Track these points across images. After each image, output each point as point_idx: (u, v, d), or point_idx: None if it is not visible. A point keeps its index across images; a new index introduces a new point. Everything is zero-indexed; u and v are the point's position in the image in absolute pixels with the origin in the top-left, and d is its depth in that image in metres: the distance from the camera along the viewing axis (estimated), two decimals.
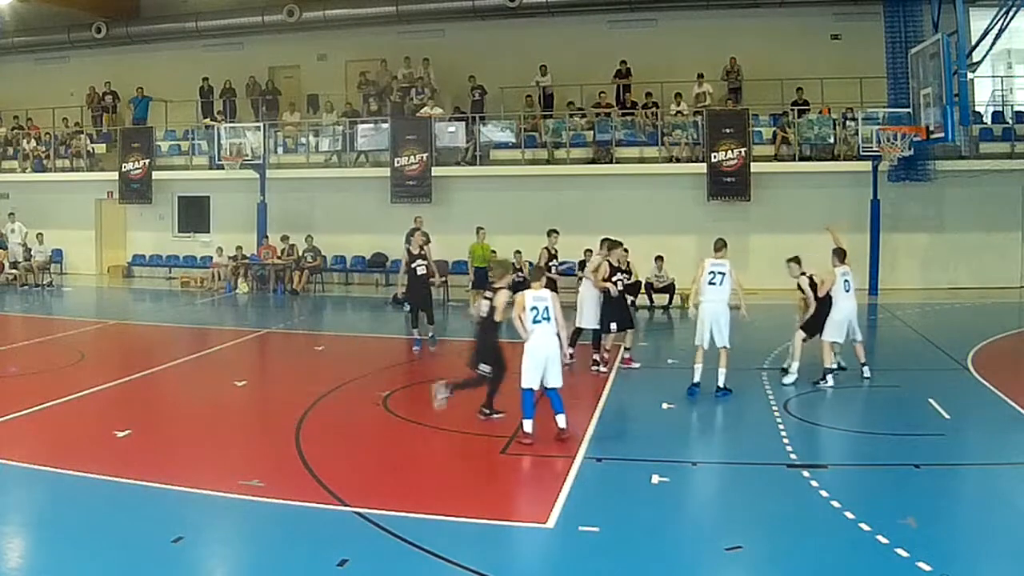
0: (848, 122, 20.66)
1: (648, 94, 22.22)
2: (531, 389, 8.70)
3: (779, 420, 9.62)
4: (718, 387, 10.51)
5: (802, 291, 11.41)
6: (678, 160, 21.42)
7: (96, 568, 5.95)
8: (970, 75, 16.81)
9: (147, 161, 24.25)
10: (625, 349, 12.59)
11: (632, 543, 6.38)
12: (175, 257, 25.07)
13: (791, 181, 20.73)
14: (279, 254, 22.17)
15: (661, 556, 6.27)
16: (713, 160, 20.65)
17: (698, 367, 10.54)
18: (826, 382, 10.98)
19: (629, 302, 13.18)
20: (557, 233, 14.63)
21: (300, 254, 22.17)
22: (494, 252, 18.61)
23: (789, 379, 11.21)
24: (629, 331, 12.51)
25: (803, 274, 11.40)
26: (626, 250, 12.33)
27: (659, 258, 18.94)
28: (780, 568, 6.07)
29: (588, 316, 12.22)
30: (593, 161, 21.89)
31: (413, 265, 13.66)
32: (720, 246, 10.81)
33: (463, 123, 22.56)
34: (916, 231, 20.70)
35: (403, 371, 13.01)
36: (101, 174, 25.07)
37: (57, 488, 7.44)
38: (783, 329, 12.39)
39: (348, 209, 23.35)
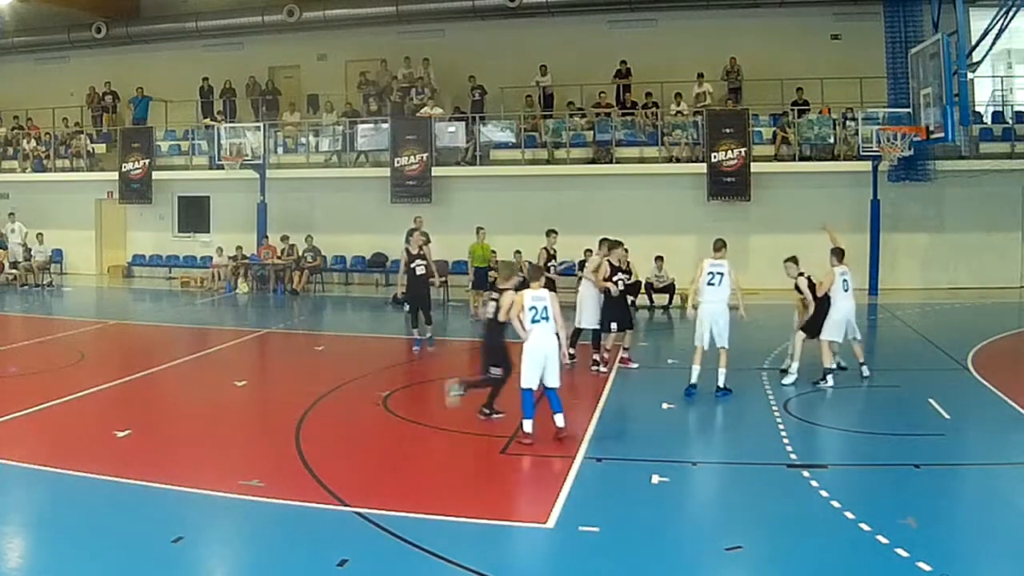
0: (848, 122, 20.66)
1: (648, 94, 22.22)
2: (530, 389, 8.70)
3: (779, 420, 9.62)
4: (718, 387, 10.51)
5: (800, 292, 11.41)
6: (678, 160, 21.42)
7: (96, 568, 5.95)
8: (970, 75, 16.81)
9: (147, 161, 24.26)
10: (624, 349, 12.58)
11: (632, 543, 6.38)
12: (175, 257, 25.07)
13: (791, 181, 20.73)
14: (279, 254, 22.17)
15: (661, 556, 6.27)
16: (713, 160, 20.65)
17: (696, 368, 10.53)
18: (826, 382, 10.98)
19: (629, 302, 13.17)
20: (556, 233, 14.63)
21: (300, 254, 22.17)
22: (494, 252, 18.63)
23: (789, 379, 11.21)
24: (628, 331, 12.51)
25: (801, 275, 11.41)
26: (626, 250, 12.33)
27: (659, 258, 18.94)
28: (780, 568, 6.07)
29: (587, 316, 12.22)
30: (593, 161, 21.89)
31: (412, 265, 13.65)
32: (719, 246, 10.80)
33: (463, 123, 22.56)
34: (916, 231, 20.71)
35: (403, 371, 13.00)
36: (101, 174, 25.07)
37: (57, 488, 7.44)
38: (783, 329, 12.38)
39: (348, 209, 23.35)
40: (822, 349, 11.10)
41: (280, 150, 24.23)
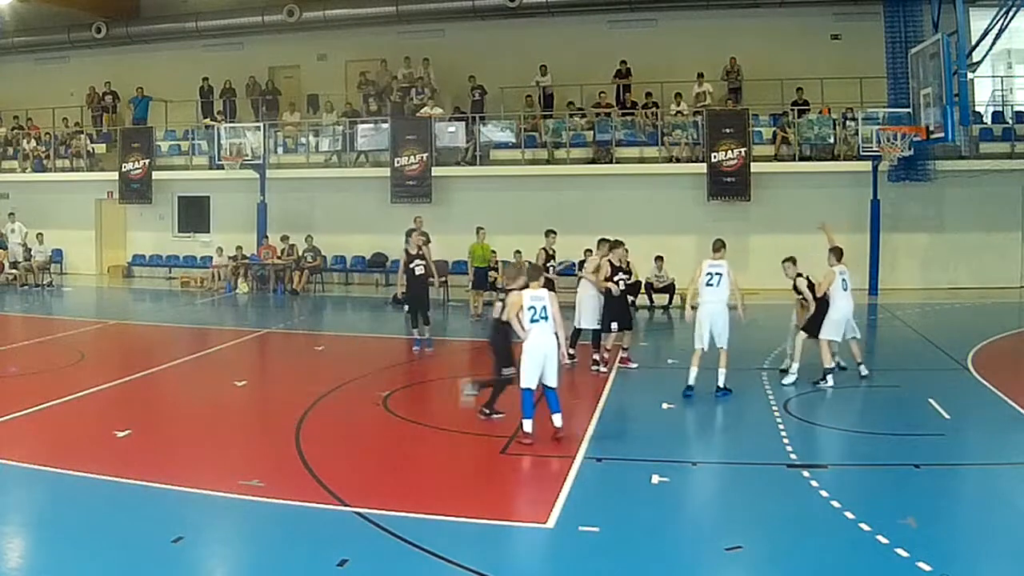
0: (848, 122, 20.65)
1: (648, 94, 22.22)
2: (530, 389, 8.71)
3: (779, 420, 9.63)
4: (718, 387, 10.51)
5: (798, 292, 11.41)
6: (678, 160, 21.42)
7: (96, 568, 5.95)
8: (970, 75, 16.81)
9: (147, 161, 24.26)
10: (623, 350, 12.58)
11: (632, 543, 6.38)
12: (175, 257, 25.07)
13: (791, 181, 20.73)
14: (279, 254, 22.17)
15: (661, 556, 6.27)
16: (713, 160, 20.65)
17: (693, 371, 10.51)
18: (826, 382, 10.98)
19: (629, 302, 13.17)
20: (555, 233, 14.62)
21: (300, 254, 22.17)
22: (494, 252, 18.64)
23: (789, 379, 11.21)
24: (627, 332, 12.50)
25: (800, 275, 11.41)
26: (626, 250, 12.33)
27: (659, 258, 18.94)
28: (780, 568, 6.07)
29: (587, 316, 12.23)
30: (593, 161, 21.89)
31: (411, 266, 13.65)
32: (718, 247, 10.79)
33: (463, 123, 22.56)
34: (916, 231, 20.70)
35: (403, 371, 13.00)
36: (101, 174, 25.07)
37: (57, 488, 7.44)
38: (783, 329, 12.38)
39: (348, 209, 23.35)
40: (821, 349, 11.10)
41: (280, 150, 24.23)
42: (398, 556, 6.12)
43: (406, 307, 14.53)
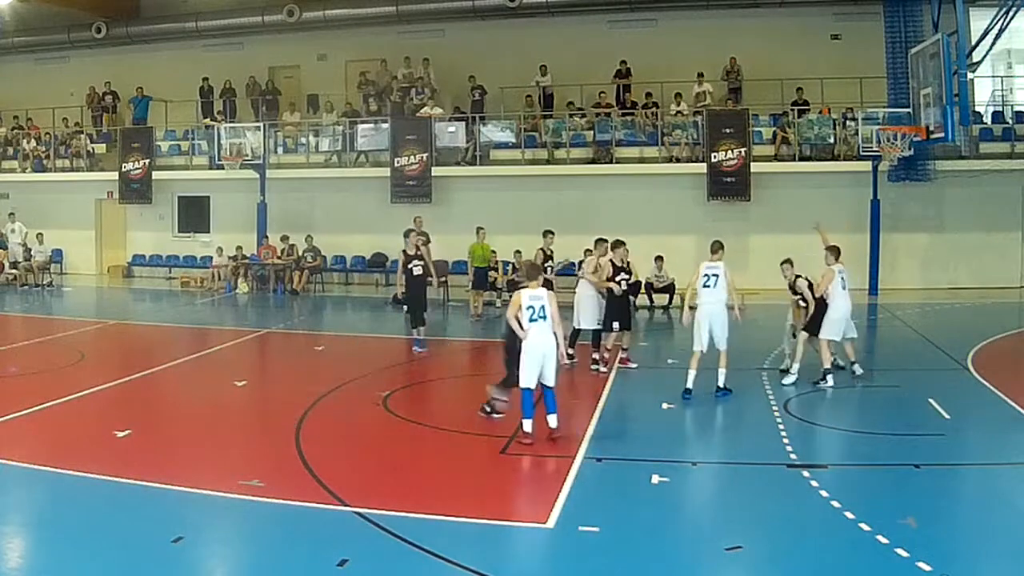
0: (848, 122, 20.65)
1: (648, 94, 22.22)
2: (530, 389, 8.72)
3: (779, 420, 9.63)
4: (718, 387, 10.51)
5: (797, 293, 11.42)
6: (678, 160, 21.42)
7: (96, 568, 5.95)
8: (970, 75, 16.80)
9: (147, 161, 24.25)
10: (623, 350, 12.58)
11: (632, 543, 6.38)
12: (175, 257, 25.07)
13: (791, 181, 20.73)
14: (279, 254, 22.17)
15: (661, 556, 6.27)
16: (713, 160, 20.64)
17: (692, 373, 10.50)
18: (826, 382, 10.98)
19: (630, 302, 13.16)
20: (552, 234, 14.59)
21: (300, 254, 22.17)
22: (494, 252, 18.66)
23: (789, 379, 11.21)
24: (627, 332, 12.49)
25: (799, 276, 11.42)
26: (627, 250, 12.31)
27: (659, 258, 18.94)
28: (780, 568, 6.07)
29: (586, 316, 12.22)
30: (593, 161, 21.89)
31: (410, 266, 13.64)
32: (716, 248, 10.78)
33: (463, 123, 22.56)
34: (916, 231, 20.70)
35: (403, 371, 13.00)
36: (101, 174, 25.07)
37: (57, 488, 7.44)
38: (783, 330, 12.37)
39: (348, 209, 23.35)
40: (821, 348, 11.10)
41: (280, 150, 24.23)
42: (398, 556, 6.12)
43: (405, 307, 14.52)
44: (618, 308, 12.01)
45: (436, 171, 22.15)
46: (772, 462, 8.19)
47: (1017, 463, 8.28)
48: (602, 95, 22.52)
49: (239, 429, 9.85)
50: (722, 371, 10.49)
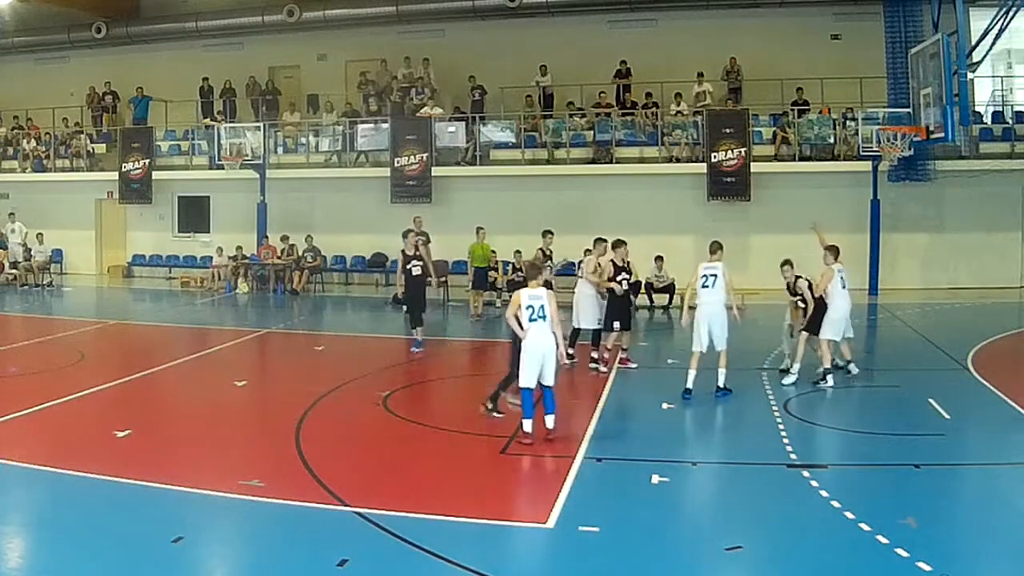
0: (848, 122, 20.65)
1: (648, 94, 22.21)
2: (529, 388, 8.72)
3: (779, 420, 9.63)
4: (718, 387, 10.51)
5: (796, 293, 11.42)
6: (678, 160, 21.41)
7: (96, 568, 5.95)
8: (970, 75, 16.80)
9: (147, 161, 24.25)
10: (622, 350, 12.58)
11: (632, 543, 6.38)
12: (175, 257, 25.07)
13: (791, 181, 20.72)
14: (279, 254, 22.17)
15: (661, 556, 6.27)
16: (713, 160, 20.64)
17: (692, 373, 10.50)
18: (826, 382, 10.98)
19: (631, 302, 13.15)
20: (551, 234, 14.58)
21: (300, 254, 22.17)
22: (494, 252, 18.66)
23: (789, 379, 11.22)
24: (627, 332, 12.49)
25: (799, 277, 11.42)
26: (627, 250, 12.31)
27: (659, 258, 18.93)
28: (780, 568, 6.07)
29: (586, 316, 12.22)
30: (593, 161, 21.89)
31: (408, 266, 13.64)
32: (715, 249, 10.77)
33: (463, 123, 22.56)
34: (916, 231, 20.70)
35: (403, 371, 13.00)
36: (101, 174, 25.06)
37: (57, 488, 7.44)
38: (782, 330, 12.37)
39: (348, 209, 23.35)
40: (821, 348, 11.10)
41: (280, 150, 24.22)
42: (398, 556, 6.12)
43: (405, 307, 14.52)
44: (619, 308, 12.01)
45: (436, 171, 22.15)
46: (772, 462, 8.19)
47: (1017, 463, 8.28)
48: (602, 95, 22.52)
49: (239, 429, 9.85)
50: (722, 371, 10.49)
